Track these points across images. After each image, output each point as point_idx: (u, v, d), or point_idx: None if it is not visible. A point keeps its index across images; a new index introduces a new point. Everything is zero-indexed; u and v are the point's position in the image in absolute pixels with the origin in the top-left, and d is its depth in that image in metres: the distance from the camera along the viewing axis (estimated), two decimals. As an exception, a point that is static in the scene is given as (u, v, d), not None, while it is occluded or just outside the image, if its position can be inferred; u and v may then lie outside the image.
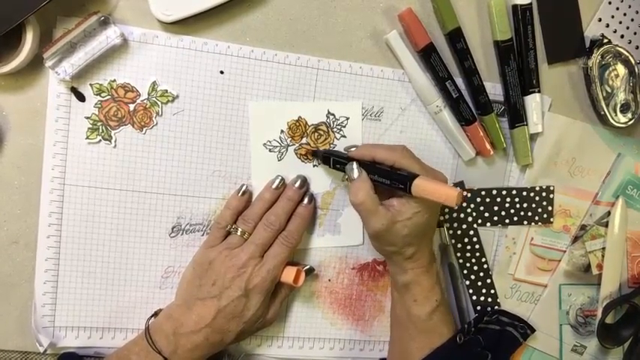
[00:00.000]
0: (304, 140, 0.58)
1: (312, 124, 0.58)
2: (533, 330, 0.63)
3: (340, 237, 0.61)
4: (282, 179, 0.57)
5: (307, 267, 0.59)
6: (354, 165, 0.53)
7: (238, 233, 0.55)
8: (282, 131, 0.58)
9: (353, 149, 0.56)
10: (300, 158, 0.59)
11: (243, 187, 0.57)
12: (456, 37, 0.57)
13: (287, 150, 0.58)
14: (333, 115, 0.59)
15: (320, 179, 0.59)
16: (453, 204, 0.46)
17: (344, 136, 0.59)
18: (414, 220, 0.52)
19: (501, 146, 0.61)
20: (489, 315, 0.62)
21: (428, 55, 0.57)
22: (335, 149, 0.59)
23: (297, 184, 0.57)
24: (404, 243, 0.53)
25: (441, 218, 0.62)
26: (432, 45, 0.56)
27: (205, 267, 0.54)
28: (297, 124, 0.58)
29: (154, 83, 0.54)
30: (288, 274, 0.56)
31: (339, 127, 0.59)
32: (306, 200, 0.57)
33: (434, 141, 0.61)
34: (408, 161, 0.52)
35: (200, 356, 0.53)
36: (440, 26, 0.58)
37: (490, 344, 0.58)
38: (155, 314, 0.56)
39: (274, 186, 0.56)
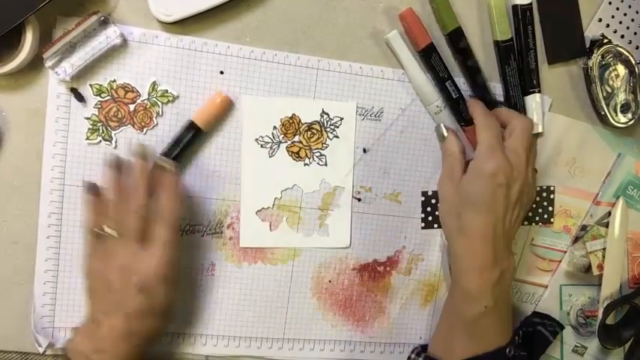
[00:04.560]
0: (297, 138, 0.58)
1: (306, 123, 0.58)
2: (562, 327, 0.63)
3: (328, 239, 0.60)
4: (116, 156, 0.51)
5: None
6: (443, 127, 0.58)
7: (107, 232, 0.49)
8: (274, 127, 0.58)
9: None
10: (291, 156, 0.58)
11: (89, 184, 0.51)
12: (456, 37, 0.57)
13: (279, 147, 0.58)
14: (327, 114, 0.58)
15: (311, 179, 0.59)
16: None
17: (337, 137, 0.59)
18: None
19: None
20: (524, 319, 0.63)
21: (428, 55, 0.56)
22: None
23: (139, 154, 0.50)
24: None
25: (442, 218, 0.62)
26: (433, 45, 0.56)
27: (93, 278, 0.50)
28: (291, 121, 0.58)
29: (154, 83, 0.54)
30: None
31: (332, 127, 0.59)
32: (167, 165, 0.51)
33: (434, 141, 0.61)
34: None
35: None
36: (440, 27, 0.58)
37: (526, 348, 0.58)
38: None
39: (110, 166, 0.50)
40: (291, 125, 0.58)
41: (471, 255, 0.52)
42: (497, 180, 0.51)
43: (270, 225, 0.59)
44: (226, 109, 0.56)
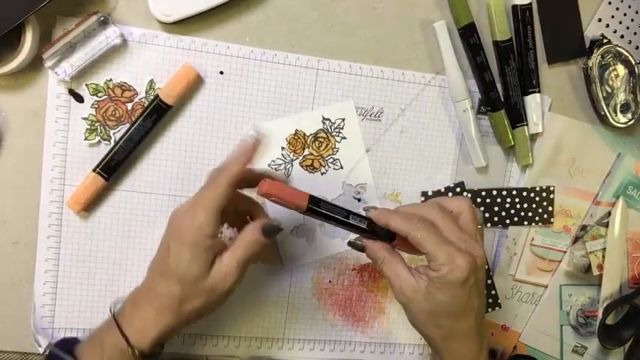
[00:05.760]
0: (307, 151, 0.58)
1: (311, 134, 0.58)
2: None
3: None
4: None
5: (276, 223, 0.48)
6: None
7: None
8: (282, 148, 0.58)
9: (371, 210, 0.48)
10: (306, 170, 0.59)
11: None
12: (469, 33, 0.57)
13: (292, 165, 0.58)
14: (328, 119, 0.58)
15: (332, 185, 0.59)
16: None
17: (344, 138, 0.59)
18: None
19: (509, 143, 0.61)
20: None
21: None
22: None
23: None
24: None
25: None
26: (313, 198, 0.45)
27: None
28: (296, 137, 0.58)
29: (151, 82, 0.54)
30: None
31: (337, 130, 0.59)
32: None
33: (434, 141, 0.61)
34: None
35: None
36: (454, 21, 0.58)
37: None
38: None
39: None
40: (297, 141, 0.58)
41: (461, 353, 0.48)
42: (469, 282, 0.45)
43: (306, 239, 0.59)
44: (194, 81, 0.54)
